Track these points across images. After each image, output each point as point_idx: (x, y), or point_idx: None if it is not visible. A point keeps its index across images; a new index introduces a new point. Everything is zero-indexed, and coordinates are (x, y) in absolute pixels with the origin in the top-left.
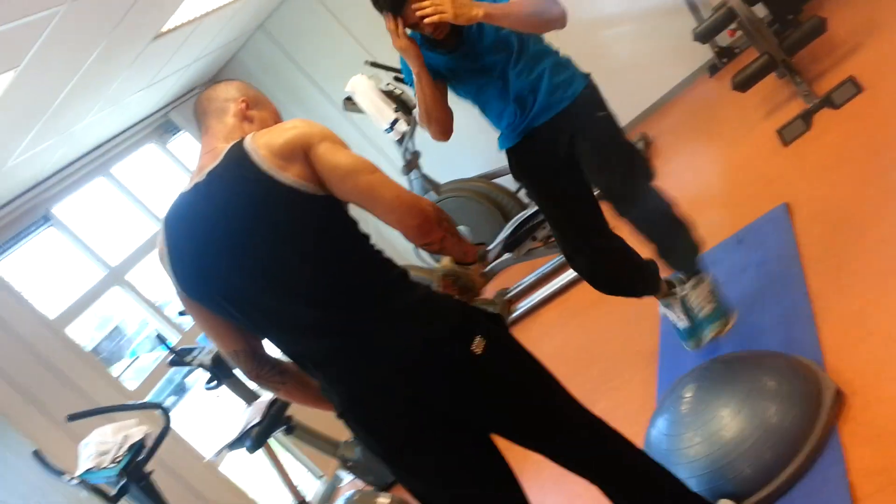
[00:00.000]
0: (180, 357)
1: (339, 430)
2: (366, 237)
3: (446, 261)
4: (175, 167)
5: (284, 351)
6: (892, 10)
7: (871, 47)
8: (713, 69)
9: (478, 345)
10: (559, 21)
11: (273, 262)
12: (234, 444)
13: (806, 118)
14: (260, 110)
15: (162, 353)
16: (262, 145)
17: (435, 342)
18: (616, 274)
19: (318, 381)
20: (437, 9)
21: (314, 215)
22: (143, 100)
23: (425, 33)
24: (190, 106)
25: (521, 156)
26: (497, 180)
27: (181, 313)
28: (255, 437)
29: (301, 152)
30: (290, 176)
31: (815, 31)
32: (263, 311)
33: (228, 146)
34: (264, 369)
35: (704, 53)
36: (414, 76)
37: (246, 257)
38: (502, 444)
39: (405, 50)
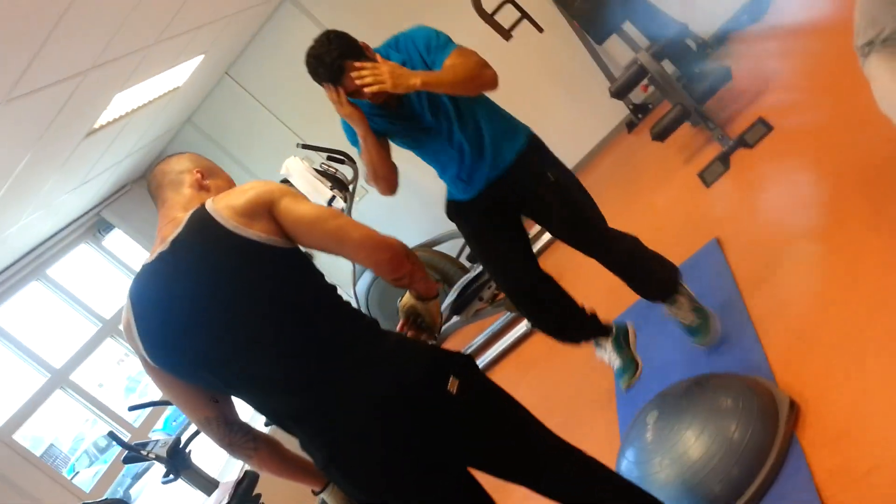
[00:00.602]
0: (136, 451)
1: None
2: (333, 288)
3: (406, 297)
4: (110, 265)
5: (261, 410)
6: (787, 54)
7: (773, 90)
8: (630, 125)
9: (452, 384)
10: (491, 83)
11: (241, 318)
12: None
13: (724, 160)
14: (215, 179)
15: (107, 455)
16: (223, 207)
17: (409, 385)
18: (563, 315)
19: (298, 438)
20: (377, 79)
21: (281, 268)
22: (75, 200)
23: (364, 99)
24: (123, 202)
25: (465, 213)
26: (438, 247)
27: (131, 408)
28: None
29: (264, 209)
30: (255, 232)
31: (722, 80)
32: (235, 370)
33: (188, 214)
34: (236, 436)
35: (620, 111)
36: (360, 139)
37: (214, 317)
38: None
39: (349, 116)
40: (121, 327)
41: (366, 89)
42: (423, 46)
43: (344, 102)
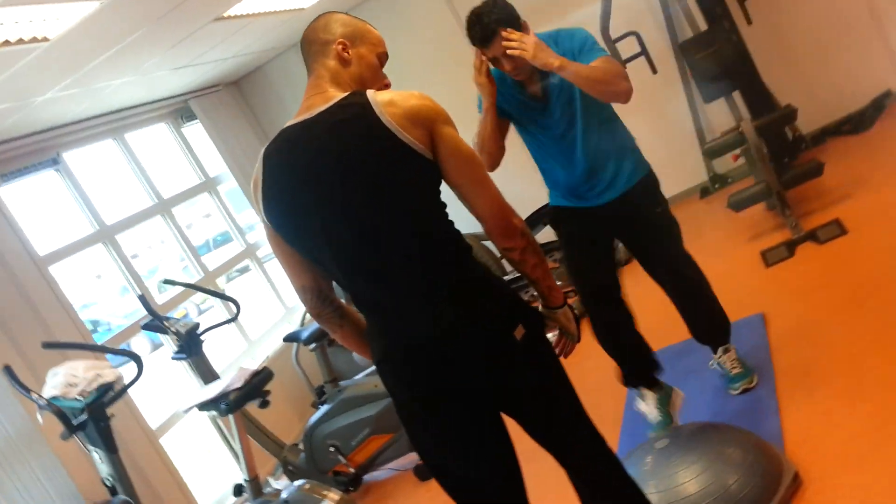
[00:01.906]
0: (159, 321)
1: (287, 433)
2: (445, 206)
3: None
4: (182, 152)
5: (347, 288)
6: (882, 168)
7: (859, 198)
8: (704, 192)
9: (519, 331)
10: (624, 95)
11: (368, 205)
12: (208, 405)
13: (790, 246)
14: (357, 47)
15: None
16: (386, 103)
17: (481, 320)
18: (619, 344)
19: (368, 324)
20: (521, 46)
21: (419, 176)
22: (173, 80)
23: (506, 69)
24: (211, 100)
25: (566, 219)
26: (486, 242)
27: (165, 281)
28: (232, 401)
29: (427, 122)
30: (409, 137)
31: (812, 173)
32: (344, 250)
33: (343, 94)
34: (327, 309)
35: (698, 175)
36: (483, 110)
37: (342, 197)
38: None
39: (482, 86)
40: (251, 185)
41: (508, 51)
42: (579, 46)
43: (483, 72)
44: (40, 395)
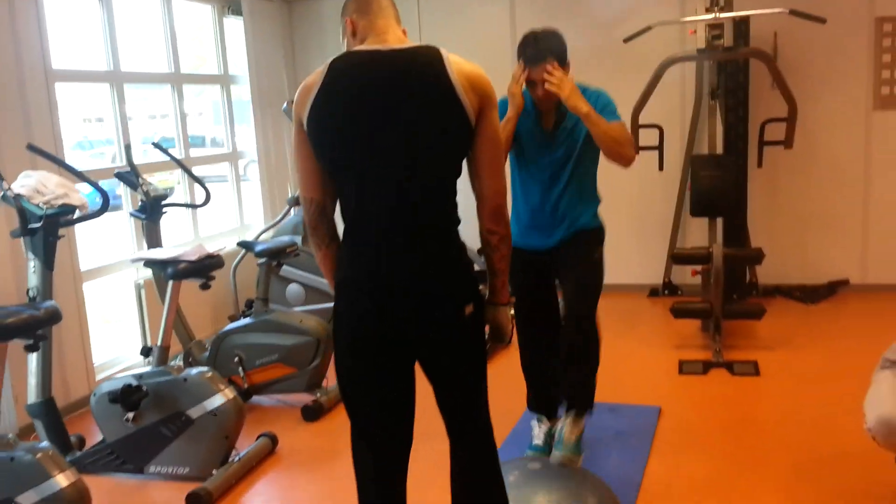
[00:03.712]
0: (134, 175)
1: (196, 330)
2: (460, 174)
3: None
4: (214, 39)
5: (350, 207)
6: (811, 340)
7: (781, 354)
8: (653, 293)
9: (468, 308)
10: (627, 160)
11: (410, 144)
12: (157, 264)
13: (706, 366)
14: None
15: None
16: (455, 61)
17: (442, 283)
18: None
19: (345, 249)
20: (560, 83)
21: (458, 133)
22: None
23: (536, 95)
24: (261, 5)
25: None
26: None
27: (155, 145)
28: (180, 270)
29: (482, 94)
30: (465, 98)
31: (753, 314)
32: (365, 177)
33: (416, 44)
34: (323, 226)
35: (655, 277)
36: (505, 118)
37: (393, 126)
38: None
39: (513, 96)
40: (299, 89)
41: (546, 85)
42: (601, 106)
43: (519, 83)
44: (10, 188)
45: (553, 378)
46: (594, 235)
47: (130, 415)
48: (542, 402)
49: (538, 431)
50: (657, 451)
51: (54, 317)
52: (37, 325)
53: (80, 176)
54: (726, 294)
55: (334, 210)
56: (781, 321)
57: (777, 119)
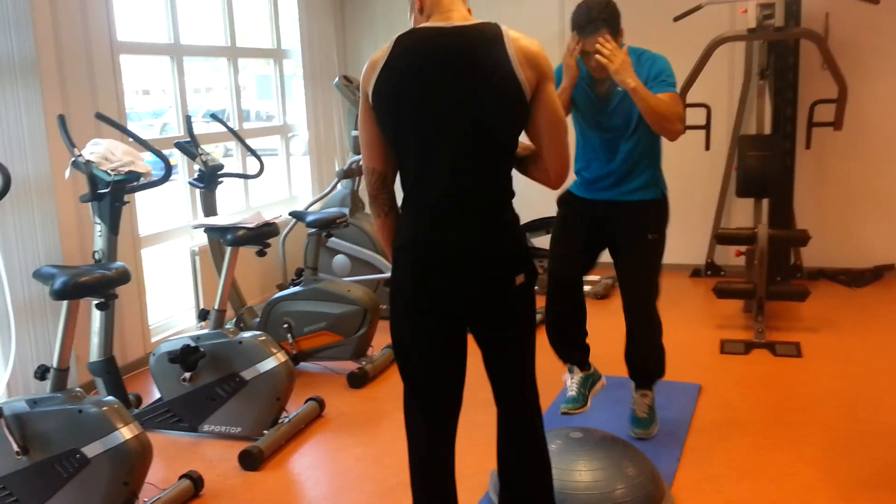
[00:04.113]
0: (193, 145)
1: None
2: (516, 147)
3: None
4: (269, 13)
5: (411, 176)
6: (855, 323)
7: (825, 336)
8: (696, 273)
9: (519, 278)
10: (673, 135)
11: (472, 118)
12: (216, 231)
13: (748, 346)
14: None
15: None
16: (515, 38)
17: (496, 252)
18: (566, 334)
19: (406, 215)
20: (611, 56)
21: (515, 108)
22: None
23: (589, 65)
24: None
25: (570, 203)
26: None
27: (212, 115)
28: (239, 236)
29: (538, 70)
30: (522, 75)
31: (797, 296)
32: (436, 143)
33: (479, 21)
34: (383, 194)
35: (698, 257)
36: (560, 88)
37: (458, 100)
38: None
39: (568, 67)
40: (367, 64)
41: (597, 56)
42: (656, 73)
43: (573, 55)
44: (81, 154)
45: (581, 341)
46: (654, 210)
47: (187, 375)
48: (572, 354)
49: (571, 383)
50: (696, 426)
51: (124, 276)
52: (108, 283)
53: (145, 145)
54: (770, 276)
55: (394, 180)
56: (825, 304)
57: (827, 100)
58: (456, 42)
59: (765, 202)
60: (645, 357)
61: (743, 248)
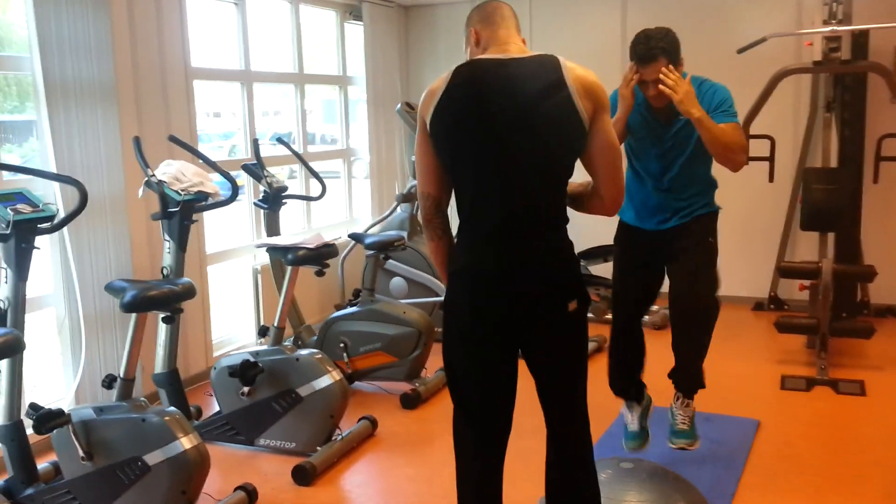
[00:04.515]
0: (259, 167)
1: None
2: (571, 175)
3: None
4: (336, 43)
5: (466, 203)
6: None
7: (891, 375)
8: (758, 307)
9: (573, 305)
10: (736, 166)
11: (530, 146)
12: (278, 250)
13: (810, 383)
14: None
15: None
16: (572, 68)
17: (551, 278)
18: (629, 379)
19: (463, 238)
20: (674, 87)
21: (573, 137)
22: None
23: (648, 94)
24: (380, 11)
25: (626, 238)
26: None
27: (278, 139)
28: (300, 256)
29: (595, 100)
30: (581, 105)
31: (862, 333)
32: (482, 175)
33: (537, 53)
34: (437, 219)
35: (760, 290)
36: (615, 118)
37: (516, 127)
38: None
39: (625, 98)
40: (425, 92)
41: (659, 86)
42: (717, 103)
43: (630, 85)
44: (154, 174)
45: (638, 382)
46: (708, 219)
47: (246, 389)
48: (629, 394)
49: (631, 418)
50: (753, 463)
51: (190, 291)
52: (175, 298)
53: (214, 167)
54: (835, 311)
55: (448, 205)
56: (892, 342)
57: (895, 135)
58: (514, 73)
59: (830, 236)
60: (688, 364)
61: (807, 283)
